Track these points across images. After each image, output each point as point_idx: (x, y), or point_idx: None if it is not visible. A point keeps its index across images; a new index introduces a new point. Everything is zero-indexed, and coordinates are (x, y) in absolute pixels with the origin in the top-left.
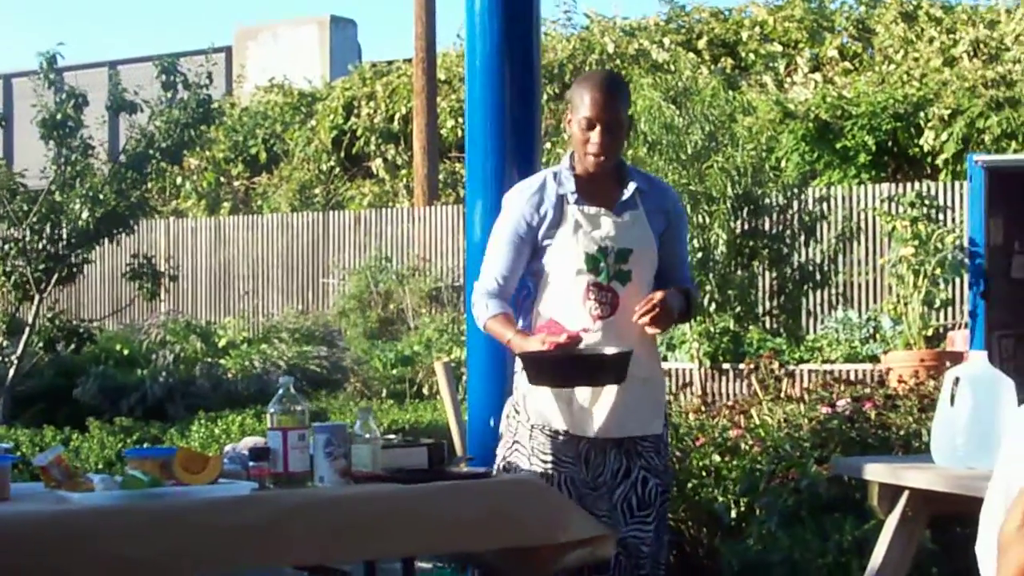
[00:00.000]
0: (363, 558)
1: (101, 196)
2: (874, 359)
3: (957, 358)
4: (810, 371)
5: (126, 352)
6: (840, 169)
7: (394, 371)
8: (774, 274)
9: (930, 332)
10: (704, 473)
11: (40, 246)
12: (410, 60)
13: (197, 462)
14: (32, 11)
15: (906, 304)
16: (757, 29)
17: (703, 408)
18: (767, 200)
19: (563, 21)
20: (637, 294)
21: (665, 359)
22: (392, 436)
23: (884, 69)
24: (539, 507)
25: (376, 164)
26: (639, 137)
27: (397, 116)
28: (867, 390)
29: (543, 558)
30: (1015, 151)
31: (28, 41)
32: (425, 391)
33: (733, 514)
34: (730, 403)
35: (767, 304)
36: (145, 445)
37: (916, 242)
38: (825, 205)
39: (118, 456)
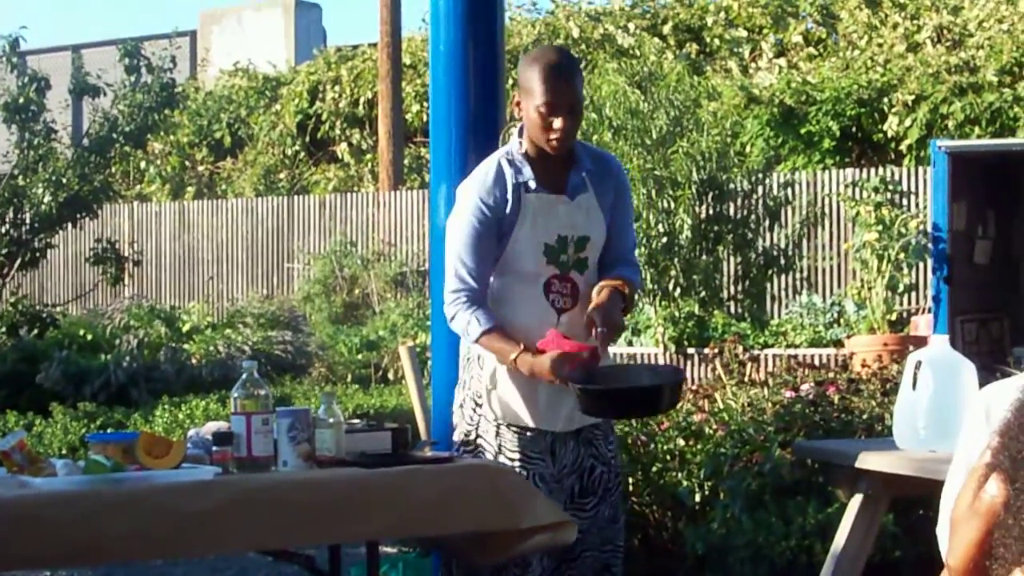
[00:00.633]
0: (327, 542)
1: (64, 180)
2: (838, 344)
3: (920, 342)
4: (774, 355)
5: (89, 337)
6: (804, 154)
7: (359, 356)
8: (739, 259)
9: (893, 317)
10: (668, 457)
11: (2, 231)
12: (375, 45)
13: (160, 447)
14: None
15: (870, 289)
16: (722, 15)
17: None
18: (732, 185)
19: (528, 6)
20: (593, 281)
21: (630, 343)
22: (356, 421)
23: (848, 55)
24: (502, 492)
25: (341, 149)
26: (604, 122)
27: (362, 101)
28: (831, 374)
29: (505, 542)
30: (978, 137)
31: None
32: (390, 376)
33: (697, 498)
34: (694, 387)
35: (731, 289)
36: (109, 430)
37: (880, 227)
38: (789, 190)
39: (81, 441)
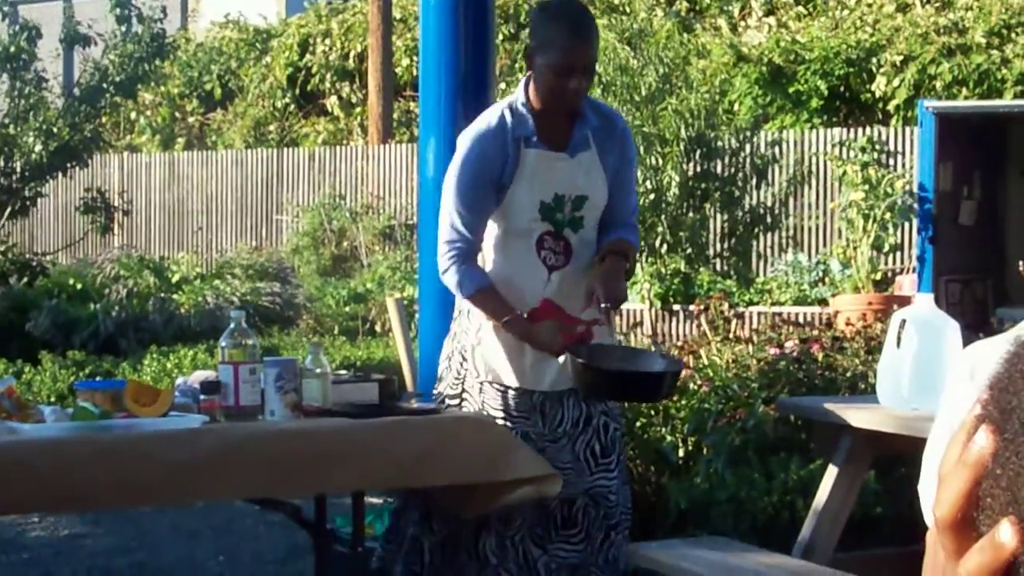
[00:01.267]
0: (313, 492)
1: (55, 130)
2: (822, 302)
3: (904, 302)
4: (759, 313)
5: (79, 286)
6: (792, 113)
7: (347, 308)
8: (725, 217)
9: (878, 276)
10: (652, 412)
11: None
12: None
13: (148, 395)
14: None
15: (855, 248)
16: None
17: (653, 348)
18: (720, 143)
19: None
20: (588, 240)
21: None
22: (343, 372)
23: (837, 15)
24: (486, 444)
25: (331, 102)
26: (593, 78)
27: (352, 54)
28: (815, 332)
29: (489, 494)
30: (966, 98)
31: None
32: (377, 328)
33: (680, 453)
34: (680, 343)
35: (718, 246)
36: (97, 379)
37: (866, 187)
38: (777, 149)
39: (70, 389)
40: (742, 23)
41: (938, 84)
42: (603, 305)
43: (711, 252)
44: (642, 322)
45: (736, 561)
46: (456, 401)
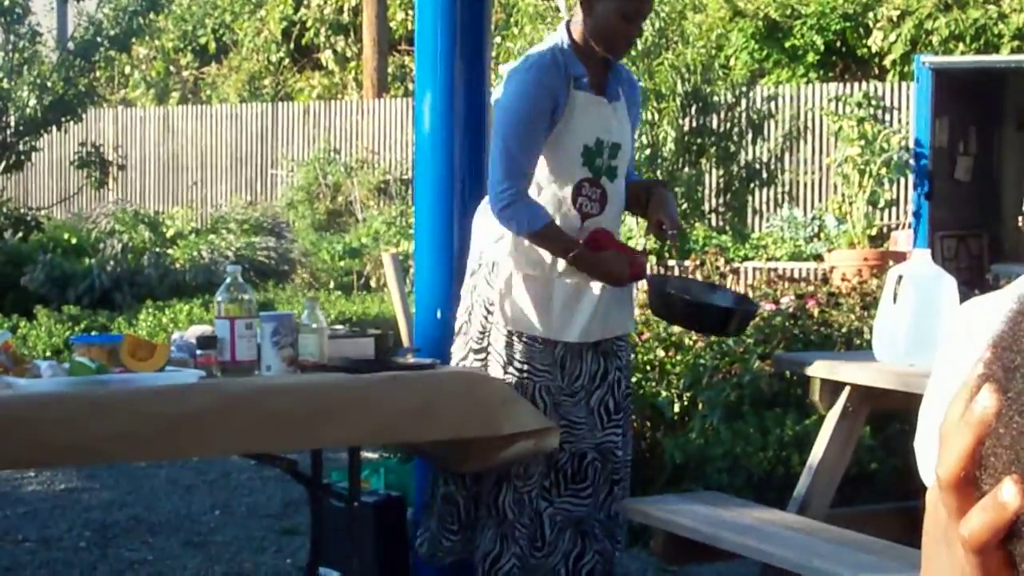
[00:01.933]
0: (309, 447)
1: (49, 84)
2: (818, 258)
3: (900, 258)
4: (755, 269)
5: (74, 241)
6: (788, 68)
7: (342, 263)
8: (721, 172)
9: (874, 232)
10: (648, 368)
11: None
12: None
13: (144, 349)
14: None
15: (851, 204)
16: None
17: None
18: (716, 98)
19: None
20: (618, 190)
21: None
22: (339, 327)
23: None
24: (484, 398)
25: (325, 56)
26: None
27: (347, 7)
28: (811, 288)
29: (487, 449)
30: (962, 53)
31: None
32: (373, 283)
33: (676, 408)
34: None
35: (713, 201)
36: (93, 333)
37: (862, 142)
38: (773, 104)
39: (66, 344)
40: None
41: (935, 39)
42: (672, 232)
43: (707, 207)
44: None
45: (731, 516)
46: (482, 356)
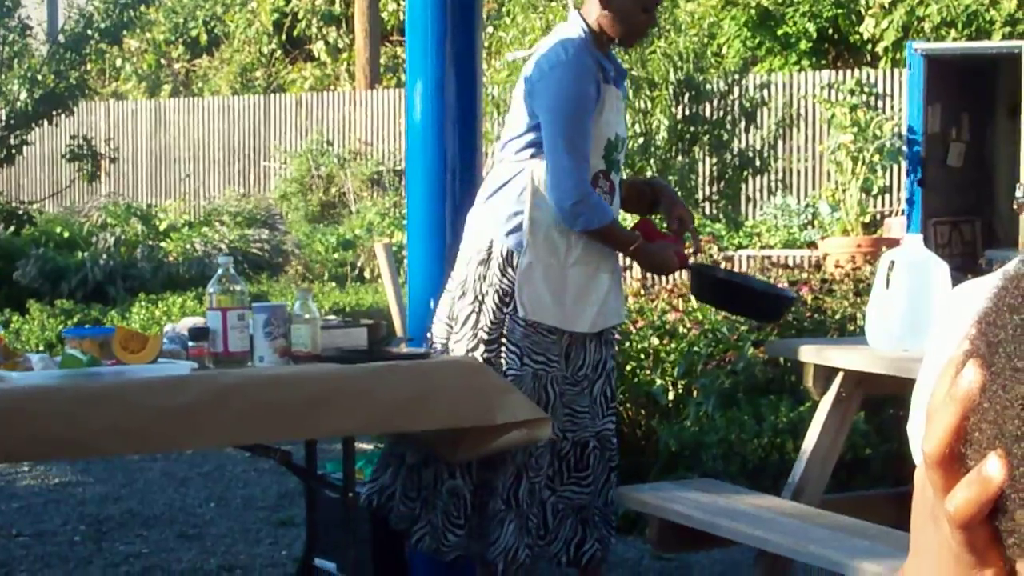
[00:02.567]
0: (303, 437)
1: (39, 77)
2: (811, 245)
3: (893, 244)
4: (748, 256)
5: (66, 235)
6: (781, 56)
7: (335, 254)
8: (714, 160)
9: (867, 218)
10: (642, 355)
11: None
12: None
13: (136, 341)
14: None
15: (844, 191)
16: None
17: (642, 291)
18: (708, 86)
19: None
20: (619, 184)
21: None
22: (332, 317)
23: None
24: (477, 387)
25: (317, 47)
26: None
27: None
28: (804, 275)
29: (480, 438)
30: (954, 39)
31: None
32: (366, 274)
33: (670, 396)
34: (669, 287)
35: (707, 190)
36: (86, 327)
37: (855, 129)
38: (766, 91)
39: (58, 338)
40: None
41: (927, 25)
42: (693, 225)
43: (700, 196)
44: (631, 265)
45: (726, 503)
46: (494, 347)
